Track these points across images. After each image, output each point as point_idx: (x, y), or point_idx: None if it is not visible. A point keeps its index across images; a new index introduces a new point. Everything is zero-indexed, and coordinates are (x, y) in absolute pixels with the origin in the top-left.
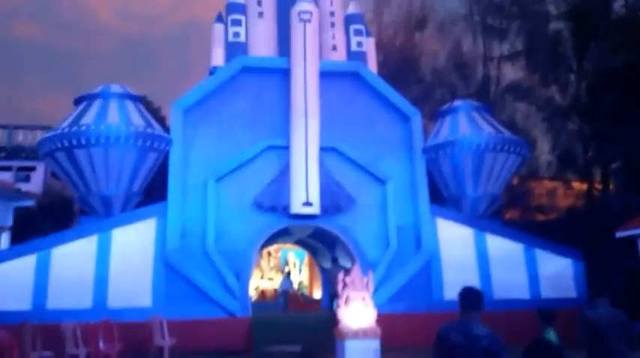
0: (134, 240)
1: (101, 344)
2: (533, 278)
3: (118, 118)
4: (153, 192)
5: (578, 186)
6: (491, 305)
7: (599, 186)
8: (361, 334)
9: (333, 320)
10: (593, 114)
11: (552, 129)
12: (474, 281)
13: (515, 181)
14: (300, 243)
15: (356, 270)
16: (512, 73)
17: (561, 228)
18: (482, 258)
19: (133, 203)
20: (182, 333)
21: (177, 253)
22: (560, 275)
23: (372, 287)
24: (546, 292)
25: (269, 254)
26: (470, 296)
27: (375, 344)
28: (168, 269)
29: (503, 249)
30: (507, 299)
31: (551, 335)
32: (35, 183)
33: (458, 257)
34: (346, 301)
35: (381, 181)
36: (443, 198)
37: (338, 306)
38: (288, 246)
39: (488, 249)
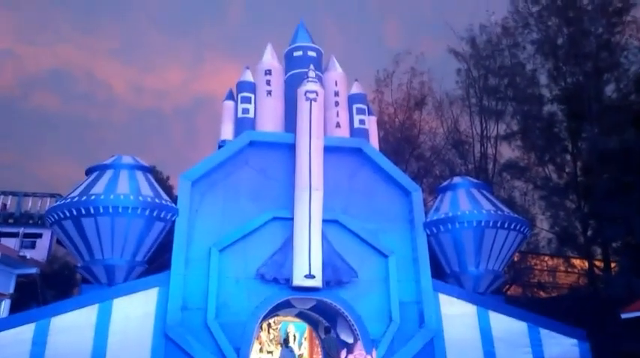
0: (135, 311)
1: None
2: None
3: (128, 188)
4: (156, 261)
5: (580, 263)
6: None
7: (600, 264)
8: None
9: None
10: (590, 193)
11: (550, 207)
12: None
13: (516, 257)
14: (301, 315)
15: (359, 348)
16: (509, 151)
17: (563, 306)
18: (486, 336)
19: (136, 272)
20: None
21: (178, 326)
22: (565, 356)
23: None
24: None
25: (269, 326)
26: None
27: None
28: (168, 342)
29: (507, 327)
30: None
31: None
32: (40, 250)
33: (461, 335)
34: None
35: (383, 255)
36: (444, 274)
37: None
38: (289, 318)
39: (492, 327)
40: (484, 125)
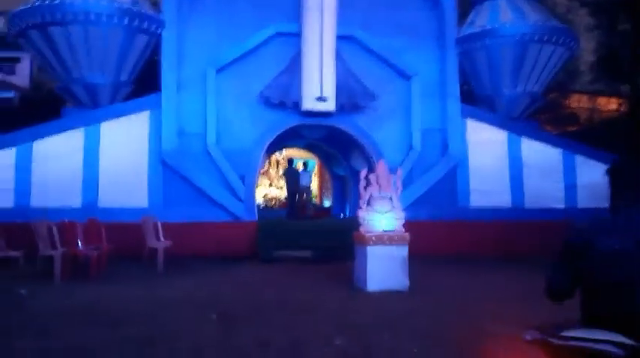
0: (125, 135)
1: (80, 245)
2: (570, 187)
3: None
4: (145, 82)
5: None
6: (522, 215)
7: None
8: (387, 239)
9: (347, 226)
10: None
11: (598, 26)
12: (504, 189)
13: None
14: (311, 147)
15: (382, 167)
16: None
17: (601, 135)
18: (516, 164)
19: (122, 94)
20: (181, 236)
21: (175, 152)
22: (599, 183)
23: (400, 187)
24: (583, 201)
25: (277, 162)
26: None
27: (403, 251)
28: (166, 168)
29: (540, 154)
30: (540, 209)
31: None
32: (22, 77)
33: (488, 163)
34: (369, 202)
35: (405, 76)
36: (474, 99)
37: (360, 208)
38: (298, 153)
39: (523, 154)
40: None
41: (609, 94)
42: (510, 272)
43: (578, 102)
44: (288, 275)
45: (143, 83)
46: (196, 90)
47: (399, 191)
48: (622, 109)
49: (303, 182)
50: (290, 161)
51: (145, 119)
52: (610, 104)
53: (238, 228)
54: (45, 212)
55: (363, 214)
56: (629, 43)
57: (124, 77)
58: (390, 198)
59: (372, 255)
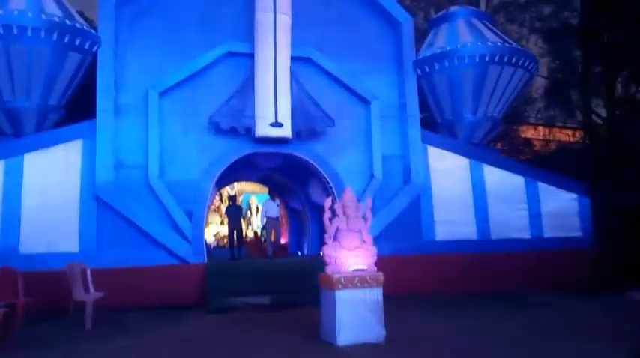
0: (53, 168)
1: None
2: (535, 216)
3: (24, 4)
4: (78, 107)
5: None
6: (488, 246)
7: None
8: (358, 281)
9: (309, 266)
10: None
11: (552, 50)
12: (469, 219)
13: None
14: (264, 180)
15: (349, 195)
16: None
17: (559, 162)
18: (479, 192)
19: (50, 120)
20: (117, 284)
21: (111, 186)
22: (564, 212)
23: (370, 218)
24: (549, 231)
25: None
26: None
27: (376, 295)
28: (100, 205)
29: (503, 182)
30: (506, 239)
31: None
32: None
33: (451, 191)
34: (335, 236)
35: (364, 101)
36: (434, 124)
37: (325, 243)
38: (249, 187)
39: (486, 181)
40: None
41: (563, 121)
42: (487, 312)
43: (533, 130)
44: (242, 327)
45: (76, 108)
46: (136, 116)
47: (369, 222)
48: (576, 138)
49: (270, 213)
50: (232, 198)
51: (76, 149)
52: (563, 133)
53: (184, 272)
54: None
55: (329, 251)
56: (581, 71)
57: (52, 101)
58: (360, 231)
59: (341, 301)
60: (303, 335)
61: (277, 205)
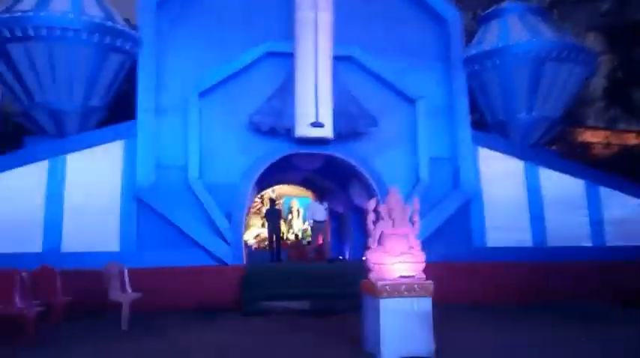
0: (95, 169)
1: (17, 300)
2: (597, 223)
3: (67, 5)
4: (119, 108)
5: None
6: (545, 255)
7: None
8: (405, 290)
9: (351, 271)
10: None
11: (611, 48)
12: (523, 226)
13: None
14: (305, 183)
15: (394, 197)
16: None
17: (621, 165)
18: (535, 197)
19: (92, 121)
20: (155, 285)
21: (152, 187)
22: (629, 218)
23: (417, 222)
24: (612, 239)
25: (272, 201)
26: None
27: (425, 305)
28: (141, 206)
29: (561, 186)
30: (564, 247)
31: None
32: None
33: (504, 196)
34: (380, 240)
35: (409, 100)
36: (486, 124)
37: (368, 248)
38: (290, 190)
39: (542, 186)
40: None
41: (625, 123)
42: (544, 324)
43: (592, 132)
44: (280, 334)
45: (117, 109)
46: (177, 117)
47: (417, 227)
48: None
49: (317, 216)
50: (272, 201)
51: (118, 150)
52: (627, 137)
53: (223, 273)
54: None
55: (372, 256)
56: None
57: (94, 102)
58: (406, 236)
59: (386, 311)
60: (344, 345)
61: (325, 208)
